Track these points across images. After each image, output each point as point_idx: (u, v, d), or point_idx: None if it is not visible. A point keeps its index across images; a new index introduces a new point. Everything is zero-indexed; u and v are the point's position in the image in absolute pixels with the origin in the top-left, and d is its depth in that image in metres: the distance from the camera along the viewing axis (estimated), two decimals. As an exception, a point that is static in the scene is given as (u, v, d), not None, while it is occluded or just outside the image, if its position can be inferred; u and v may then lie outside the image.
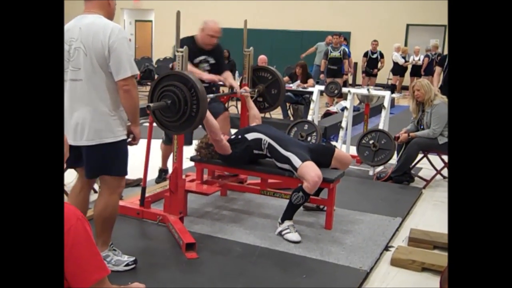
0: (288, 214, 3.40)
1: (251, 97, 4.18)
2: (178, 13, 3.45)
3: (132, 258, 2.76)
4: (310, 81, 8.54)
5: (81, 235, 1.52)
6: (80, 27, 2.49)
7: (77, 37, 2.48)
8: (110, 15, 2.59)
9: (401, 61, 13.45)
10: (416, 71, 13.43)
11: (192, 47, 3.82)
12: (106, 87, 2.51)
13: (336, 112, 8.70)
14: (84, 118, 2.50)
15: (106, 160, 2.57)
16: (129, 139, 2.71)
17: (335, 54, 10.66)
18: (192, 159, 3.91)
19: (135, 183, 4.18)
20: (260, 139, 3.56)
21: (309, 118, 5.74)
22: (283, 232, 3.34)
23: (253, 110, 4.11)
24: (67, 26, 2.56)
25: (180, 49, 3.36)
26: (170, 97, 2.96)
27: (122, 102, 2.56)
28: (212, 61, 4.19)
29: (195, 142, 3.98)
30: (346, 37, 13.85)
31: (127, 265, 2.72)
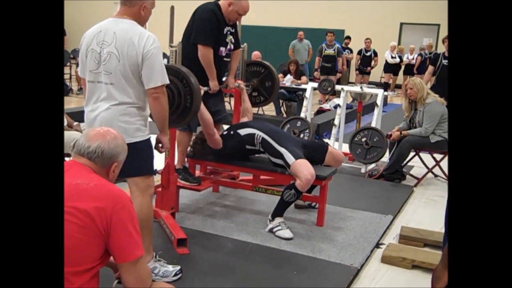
0: (279, 211, 3.40)
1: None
2: (172, 8, 3.44)
3: (178, 267, 2.71)
4: (304, 78, 8.55)
5: (133, 213, 1.74)
6: (115, 32, 2.47)
7: (110, 41, 2.46)
8: (141, 22, 2.57)
9: (390, 59, 13.51)
10: (410, 70, 13.49)
11: (220, 15, 3.56)
12: (136, 92, 2.51)
13: (329, 110, 8.71)
14: (113, 118, 2.48)
15: (134, 159, 2.50)
16: (158, 146, 2.70)
17: (330, 51, 10.68)
18: (186, 156, 3.90)
19: (122, 177, 4.15)
20: (253, 134, 3.55)
21: (302, 115, 5.74)
22: (274, 229, 3.35)
23: (246, 103, 4.10)
24: (98, 27, 2.55)
25: (173, 45, 3.35)
26: None
27: (151, 109, 2.58)
28: (233, 32, 3.79)
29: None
30: (340, 34, 13.89)
31: (175, 275, 2.67)
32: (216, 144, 3.60)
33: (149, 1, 2.58)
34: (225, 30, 3.65)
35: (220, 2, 3.62)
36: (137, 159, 2.53)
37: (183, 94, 2.97)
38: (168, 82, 2.57)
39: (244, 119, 4.00)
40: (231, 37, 3.72)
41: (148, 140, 2.60)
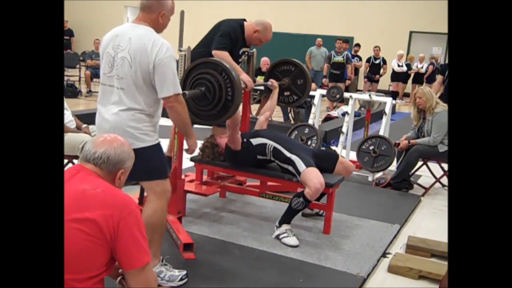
0: (286, 218, 3.39)
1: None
2: (182, 13, 3.46)
3: (184, 272, 2.70)
4: (312, 85, 8.54)
5: (140, 219, 1.74)
6: (130, 37, 2.46)
7: (125, 46, 2.46)
8: (159, 29, 2.57)
9: (396, 68, 13.50)
10: (418, 79, 13.46)
11: (240, 35, 3.74)
12: (146, 99, 2.50)
13: (336, 117, 8.70)
14: (121, 123, 2.48)
15: (144, 164, 2.50)
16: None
17: (338, 59, 10.68)
18: (192, 159, 3.91)
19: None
20: (265, 144, 3.54)
21: (310, 122, 5.74)
22: (280, 236, 3.34)
23: (272, 101, 4.14)
24: (115, 31, 2.55)
25: (183, 49, 3.36)
26: (203, 84, 2.94)
27: (170, 117, 2.59)
28: (247, 54, 4.06)
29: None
30: (349, 42, 13.91)
31: (181, 279, 2.66)
32: (236, 144, 3.57)
33: (168, 9, 2.57)
34: (243, 50, 3.80)
35: (245, 24, 3.78)
36: (146, 163, 2.53)
37: (224, 87, 2.96)
38: (180, 91, 2.53)
39: (261, 118, 4.02)
40: (245, 58, 3.88)
41: (158, 145, 2.59)
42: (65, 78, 10.68)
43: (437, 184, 5.08)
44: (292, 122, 8.48)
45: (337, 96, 5.91)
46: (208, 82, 2.96)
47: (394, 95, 12.91)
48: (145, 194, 3.62)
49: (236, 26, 3.70)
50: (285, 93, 4.32)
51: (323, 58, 11.52)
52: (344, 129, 5.62)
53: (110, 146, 1.82)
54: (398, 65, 13.50)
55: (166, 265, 2.71)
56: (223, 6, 16.57)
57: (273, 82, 4.11)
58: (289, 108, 8.64)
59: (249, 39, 3.81)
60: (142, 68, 2.43)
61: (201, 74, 2.98)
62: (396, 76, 13.70)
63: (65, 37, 16.16)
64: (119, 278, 1.88)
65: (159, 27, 2.57)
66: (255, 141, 3.58)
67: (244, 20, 3.83)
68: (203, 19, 13.02)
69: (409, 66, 13.68)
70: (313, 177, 3.26)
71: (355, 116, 6.63)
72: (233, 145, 3.59)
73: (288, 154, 3.45)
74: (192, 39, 3.90)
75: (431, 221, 4.13)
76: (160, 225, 2.62)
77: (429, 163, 5.06)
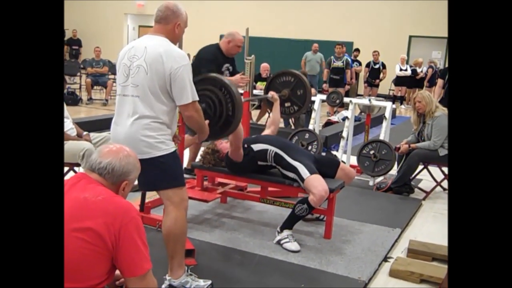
0: (289, 224, 3.40)
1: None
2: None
3: (209, 282, 2.69)
4: (312, 90, 8.55)
5: (141, 226, 1.74)
6: (146, 47, 2.51)
7: (141, 55, 2.50)
8: (174, 40, 2.61)
9: (398, 72, 13.49)
10: (419, 83, 13.45)
11: (220, 56, 4.30)
12: (162, 107, 2.52)
13: (337, 122, 8.70)
14: (136, 133, 2.49)
15: (161, 173, 2.54)
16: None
17: (338, 64, 10.69)
18: (193, 166, 3.92)
19: (135, 188, 4.17)
20: (266, 150, 3.54)
21: (310, 127, 5.75)
22: (282, 241, 3.34)
23: (276, 114, 4.18)
24: (131, 44, 2.62)
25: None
26: (203, 101, 2.96)
27: (187, 123, 2.66)
28: (231, 68, 4.42)
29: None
30: (348, 47, 13.93)
31: None
32: (239, 157, 3.56)
33: (183, 20, 2.62)
34: (224, 67, 4.26)
35: (220, 43, 4.38)
36: (164, 172, 2.55)
37: (224, 102, 2.98)
38: (197, 98, 2.56)
39: (267, 132, 4.02)
40: (227, 72, 4.30)
41: (174, 152, 2.60)
42: (66, 86, 10.71)
43: (438, 188, 5.08)
44: (293, 127, 8.49)
45: (337, 101, 5.92)
46: (208, 98, 2.99)
47: (394, 99, 12.90)
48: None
49: (214, 50, 4.32)
50: (286, 104, 4.38)
51: (318, 64, 11.55)
52: (344, 134, 5.62)
53: (115, 157, 1.83)
54: (401, 69, 13.48)
55: (192, 275, 2.69)
56: (223, 14, 16.64)
57: (273, 95, 4.13)
58: (289, 114, 8.64)
59: (229, 51, 4.35)
60: (158, 75, 2.46)
61: (201, 90, 3.00)
62: (400, 81, 13.67)
63: (75, 47, 16.29)
64: None
65: (175, 38, 2.61)
66: (256, 147, 3.58)
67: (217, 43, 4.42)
68: (204, 28, 13.07)
69: (415, 72, 13.61)
70: (317, 184, 3.27)
71: (355, 120, 6.64)
72: (235, 157, 3.58)
73: (290, 161, 3.45)
74: (192, 47, 3.93)
75: (432, 225, 4.14)
76: (182, 236, 2.61)
77: (429, 167, 5.06)
